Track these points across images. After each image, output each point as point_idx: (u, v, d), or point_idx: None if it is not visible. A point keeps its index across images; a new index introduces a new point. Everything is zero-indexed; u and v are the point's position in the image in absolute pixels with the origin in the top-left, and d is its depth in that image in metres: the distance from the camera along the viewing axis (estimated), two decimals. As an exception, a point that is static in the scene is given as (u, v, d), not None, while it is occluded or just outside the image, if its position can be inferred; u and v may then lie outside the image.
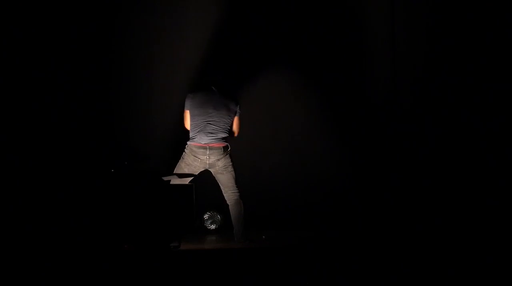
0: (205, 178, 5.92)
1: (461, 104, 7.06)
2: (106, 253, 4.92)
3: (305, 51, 7.32)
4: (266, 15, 7.29)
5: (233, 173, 5.81)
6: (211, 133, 5.75)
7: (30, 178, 6.15)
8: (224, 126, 5.80)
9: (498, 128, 6.92)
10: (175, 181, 5.50)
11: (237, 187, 5.81)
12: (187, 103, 5.85)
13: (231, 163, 5.80)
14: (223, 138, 5.79)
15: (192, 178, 5.75)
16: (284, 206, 7.15)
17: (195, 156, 5.73)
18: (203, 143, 5.73)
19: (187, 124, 5.87)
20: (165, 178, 5.40)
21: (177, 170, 5.75)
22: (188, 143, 5.80)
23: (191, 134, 5.81)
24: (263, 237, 6.14)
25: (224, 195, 5.86)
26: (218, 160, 5.74)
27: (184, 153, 5.80)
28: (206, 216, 6.86)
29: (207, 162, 5.74)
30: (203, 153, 5.72)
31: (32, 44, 6.80)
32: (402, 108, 7.26)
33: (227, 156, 5.79)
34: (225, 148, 5.77)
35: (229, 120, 5.82)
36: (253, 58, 7.31)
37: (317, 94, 7.40)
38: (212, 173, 5.84)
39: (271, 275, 4.55)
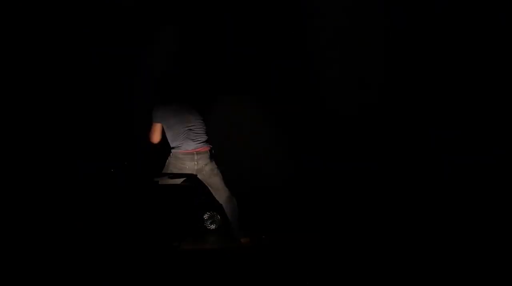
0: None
1: (460, 104, 7.07)
2: (106, 253, 4.92)
3: (303, 51, 7.33)
4: (263, 13, 7.31)
5: (220, 174, 5.82)
6: (195, 139, 5.75)
7: (30, 178, 6.15)
8: (204, 129, 5.81)
9: (498, 128, 6.92)
10: (165, 181, 5.50)
11: (226, 186, 5.81)
12: (157, 115, 5.76)
13: (216, 165, 5.80)
14: (207, 142, 5.79)
15: (184, 178, 5.73)
16: (284, 206, 7.14)
17: (182, 164, 5.72)
18: (190, 149, 5.72)
19: (156, 136, 5.77)
20: (157, 179, 5.42)
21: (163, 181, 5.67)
22: (172, 151, 5.77)
23: (174, 144, 5.76)
24: (263, 237, 6.14)
25: (216, 196, 5.87)
26: (206, 164, 5.75)
27: (168, 162, 5.77)
28: (206, 216, 6.85)
29: (195, 167, 5.73)
30: (190, 159, 5.71)
31: (31, 43, 6.80)
32: (399, 107, 7.27)
33: (213, 158, 5.80)
34: (210, 151, 5.79)
35: (204, 121, 5.82)
36: (250, 55, 7.32)
37: (315, 94, 7.41)
38: (200, 178, 5.82)
39: (271, 275, 4.55)
